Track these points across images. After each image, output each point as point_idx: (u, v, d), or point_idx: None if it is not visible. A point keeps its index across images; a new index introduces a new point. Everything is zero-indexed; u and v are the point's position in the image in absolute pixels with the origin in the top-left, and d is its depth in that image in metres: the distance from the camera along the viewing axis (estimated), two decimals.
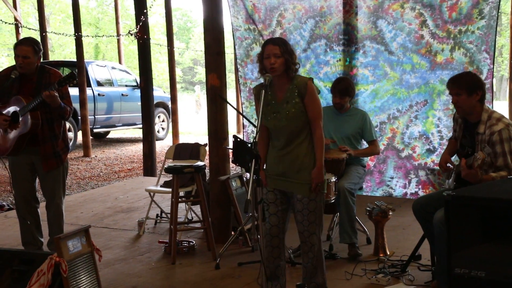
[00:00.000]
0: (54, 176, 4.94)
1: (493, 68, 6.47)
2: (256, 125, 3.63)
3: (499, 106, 12.94)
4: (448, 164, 4.31)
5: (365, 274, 4.60)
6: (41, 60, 4.99)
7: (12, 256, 3.88)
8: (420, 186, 7.03)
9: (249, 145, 3.58)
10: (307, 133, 3.84)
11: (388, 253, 5.07)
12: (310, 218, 3.84)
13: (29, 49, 4.78)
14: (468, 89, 4.02)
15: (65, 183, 5.08)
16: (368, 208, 5.17)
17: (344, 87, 5.27)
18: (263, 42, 7.39)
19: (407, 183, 7.10)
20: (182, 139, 13.90)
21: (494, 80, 6.60)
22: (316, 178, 3.79)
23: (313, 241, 3.88)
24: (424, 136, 6.94)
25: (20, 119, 4.75)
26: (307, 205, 3.83)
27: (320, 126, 3.82)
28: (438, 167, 6.78)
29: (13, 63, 4.92)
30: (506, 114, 12.76)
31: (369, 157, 6.60)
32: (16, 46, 4.82)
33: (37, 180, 5.05)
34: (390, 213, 5.11)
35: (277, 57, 3.73)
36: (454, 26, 6.54)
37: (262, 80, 3.79)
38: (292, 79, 3.83)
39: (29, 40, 4.92)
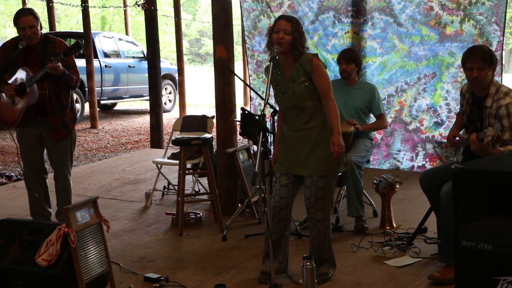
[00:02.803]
0: (62, 146, 4.96)
1: (503, 40, 6.41)
2: (264, 97, 3.62)
3: (508, 79, 12.86)
4: (457, 138, 4.29)
5: (372, 247, 4.63)
6: (48, 31, 4.99)
7: (21, 226, 3.92)
8: (427, 159, 7.02)
9: (257, 117, 3.56)
10: (319, 111, 3.86)
11: (395, 226, 5.08)
12: (318, 195, 3.86)
13: (31, 18, 4.76)
14: (490, 63, 3.96)
15: (73, 154, 5.10)
16: (375, 181, 5.18)
17: (350, 54, 5.28)
18: (271, 13, 7.44)
19: (414, 156, 7.09)
20: (189, 111, 13.90)
21: (503, 52, 6.53)
22: (336, 143, 3.80)
23: (318, 217, 3.90)
24: (432, 109, 6.91)
25: (27, 90, 4.75)
26: (317, 182, 3.85)
27: (332, 98, 3.86)
28: (445, 140, 6.78)
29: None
30: None
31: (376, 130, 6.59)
32: (18, 19, 4.75)
33: (45, 151, 5.07)
34: (397, 186, 5.11)
35: (286, 33, 3.74)
36: None
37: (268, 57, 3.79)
38: (298, 57, 3.82)
39: (26, 10, 4.93)
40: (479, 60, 3.95)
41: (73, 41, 13.22)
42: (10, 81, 4.81)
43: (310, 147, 3.85)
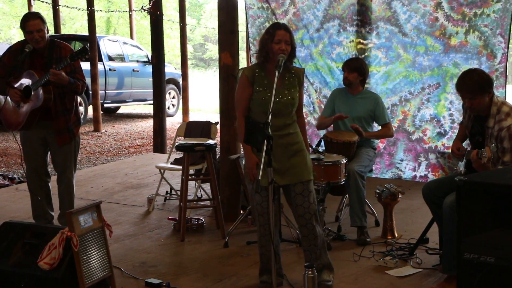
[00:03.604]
0: (66, 150, 4.97)
1: (508, 52, 6.42)
2: (270, 106, 3.61)
3: None
4: (460, 150, 4.29)
5: (373, 256, 4.63)
6: (53, 33, 5.02)
7: (24, 229, 3.92)
8: (429, 169, 7.02)
9: (261, 125, 3.56)
10: (295, 120, 3.98)
11: (396, 236, 5.08)
12: (311, 199, 3.89)
13: (39, 22, 4.79)
14: (481, 91, 3.94)
15: (77, 157, 5.11)
16: (377, 191, 5.18)
17: (354, 64, 5.30)
18: (276, 21, 7.45)
19: (416, 166, 7.09)
20: (192, 116, 13.91)
21: (508, 64, 6.55)
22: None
23: (314, 222, 3.91)
24: (436, 119, 6.92)
25: (33, 93, 4.77)
26: (307, 186, 3.88)
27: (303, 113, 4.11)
28: (448, 151, 6.78)
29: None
30: None
31: (379, 140, 6.59)
32: (25, 23, 4.77)
33: (48, 154, 5.08)
34: (400, 196, 5.12)
35: (287, 44, 3.80)
36: (470, 9, 6.48)
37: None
38: (289, 67, 3.91)
39: (34, 14, 4.96)
40: (468, 93, 3.96)
41: (78, 44, 13.37)
42: (16, 85, 4.83)
43: (293, 152, 3.89)
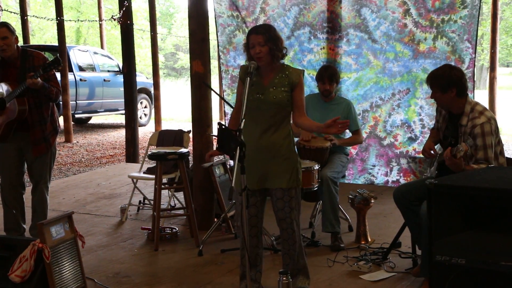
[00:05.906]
0: (43, 160, 4.92)
1: (475, 57, 6.53)
2: (242, 112, 3.62)
3: (479, 95, 13.08)
4: (432, 151, 4.34)
5: (347, 261, 4.65)
6: (22, 44, 4.96)
7: None
8: (401, 174, 7.09)
9: (234, 132, 3.56)
10: (286, 124, 3.89)
11: (370, 241, 5.12)
12: (291, 205, 3.87)
13: (5, 30, 4.75)
14: (440, 87, 4.06)
15: (52, 168, 5.06)
16: (350, 196, 5.21)
17: (332, 73, 5.32)
18: (246, 29, 7.48)
19: (388, 171, 7.16)
20: (165, 126, 13.86)
21: (475, 69, 6.65)
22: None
23: (294, 227, 3.91)
24: (406, 125, 7.00)
25: (7, 105, 4.71)
26: (289, 192, 3.85)
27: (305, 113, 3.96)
28: (419, 155, 6.86)
29: None
30: (486, 103, 12.84)
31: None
32: None
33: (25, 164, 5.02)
34: (372, 201, 5.16)
35: (261, 45, 3.75)
36: (437, 15, 6.58)
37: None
38: (283, 67, 3.87)
39: (1, 23, 4.92)
40: (429, 85, 4.14)
41: (48, 54, 13.22)
42: None
43: (272, 157, 3.83)
